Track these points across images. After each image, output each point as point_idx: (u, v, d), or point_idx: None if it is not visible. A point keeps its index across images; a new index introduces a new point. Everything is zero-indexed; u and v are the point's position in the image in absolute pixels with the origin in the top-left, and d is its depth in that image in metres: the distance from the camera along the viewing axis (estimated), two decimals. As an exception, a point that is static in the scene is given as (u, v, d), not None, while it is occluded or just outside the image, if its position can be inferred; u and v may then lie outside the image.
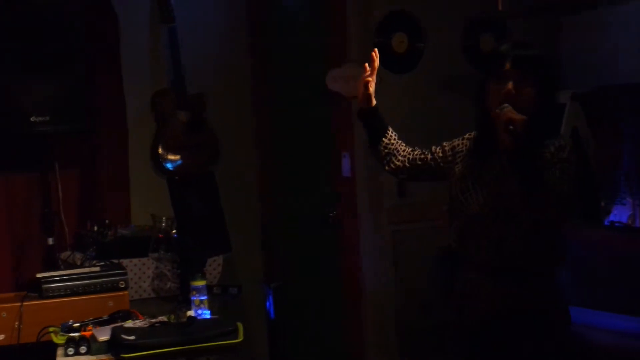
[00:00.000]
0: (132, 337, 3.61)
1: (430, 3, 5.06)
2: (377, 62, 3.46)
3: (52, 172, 4.77)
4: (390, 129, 3.62)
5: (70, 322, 3.90)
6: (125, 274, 4.41)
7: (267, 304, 5.39)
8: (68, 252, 4.74)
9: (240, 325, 3.82)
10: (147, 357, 3.57)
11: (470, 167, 3.28)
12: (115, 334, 3.68)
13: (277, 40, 5.63)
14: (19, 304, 4.21)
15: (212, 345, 3.71)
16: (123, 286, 4.37)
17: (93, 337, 3.72)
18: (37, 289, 4.33)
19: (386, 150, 3.59)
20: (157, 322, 3.90)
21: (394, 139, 3.60)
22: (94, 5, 4.98)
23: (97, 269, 4.44)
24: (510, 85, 3.06)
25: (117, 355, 3.59)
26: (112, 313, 4.04)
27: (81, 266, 4.54)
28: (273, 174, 5.69)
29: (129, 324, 3.89)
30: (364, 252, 4.98)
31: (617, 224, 4.47)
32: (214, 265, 4.89)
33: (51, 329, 3.96)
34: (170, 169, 5.17)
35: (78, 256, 4.66)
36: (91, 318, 3.97)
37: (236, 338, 3.76)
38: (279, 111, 5.67)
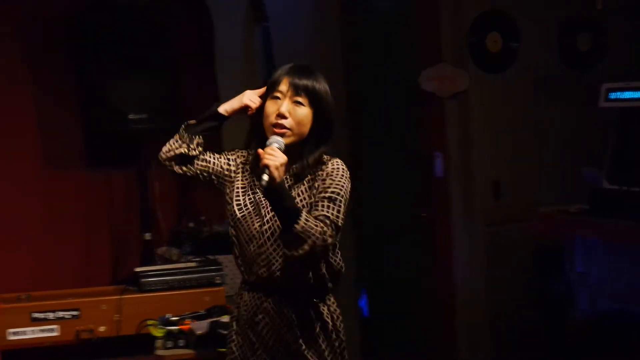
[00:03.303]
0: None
1: (526, 2, 5.03)
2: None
3: (150, 169, 4.84)
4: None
5: (168, 315, 3.96)
6: (221, 269, 4.46)
7: (361, 302, 5.42)
8: (165, 248, 4.80)
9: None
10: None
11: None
12: (212, 328, 3.73)
13: (369, 38, 5.64)
14: (119, 297, 4.30)
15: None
16: (219, 282, 4.42)
17: (191, 331, 3.78)
18: (135, 283, 4.41)
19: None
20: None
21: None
22: (189, 5, 5.05)
23: (194, 264, 4.51)
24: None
25: (214, 349, 3.64)
26: (209, 308, 4.09)
27: (177, 261, 4.61)
28: (363, 174, 5.70)
29: (225, 318, 3.93)
30: (456, 253, 4.96)
31: None
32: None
33: (150, 322, 4.03)
34: (264, 166, 5.21)
35: (174, 252, 4.73)
36: (188, 312, 4.03)
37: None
38: (369, 109, 5.68)
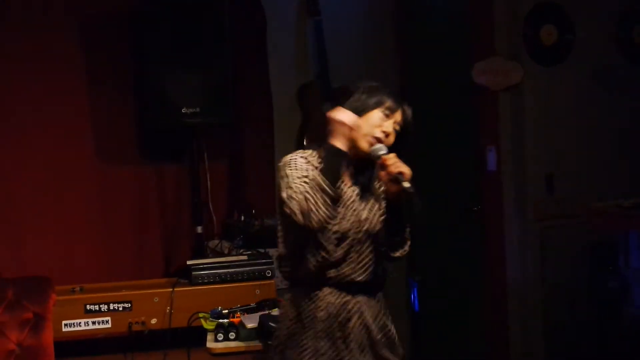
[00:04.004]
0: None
1: (581, -6, 4.95)
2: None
3: (202, 163, 4.87)
4: None
5: (219, 308, 3.98)
6: (272, 263, 4.47)
7: (412, 296, 5.38)
8: (216, 241, 4.83)
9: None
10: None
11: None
12: (263, 321, 3.73)
13: (422, 32, 5.59)
14: (171, 289, 4.33)
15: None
16: (269, 275, 4.43)
17: (242, 323, 3.79)
18: (187, 275, 4.44)
19: None
20: (302, 311, 3.93)
21: None
22: (242, 0, 5.07)
23: (245, 257, 4.53)
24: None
25: (265, 342, 3.64)
26: (259, 301, 4.10)
27: (229, 255, 4.64)
28: (417, 167, 5.65)
29: (275, 312, 3.93)
30: (509, 247, 4.92)
31: None
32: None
33: (201, 315, 4.05)
34: (316, 161, 5.20)
35: (226, 245, 4.76)
36: (239, 305, 4.04)
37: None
38: (422, 103, 5.62)
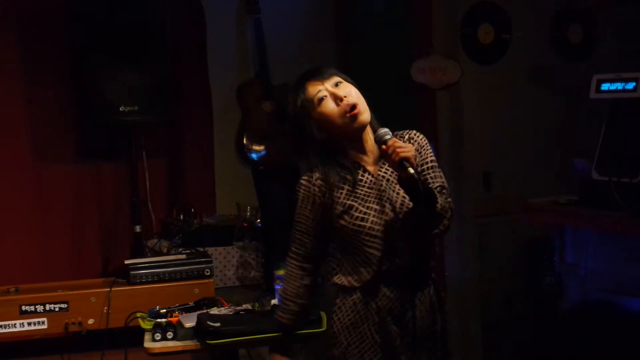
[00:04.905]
0: (218, 324, 3.64)
1: (518, -6, 5.02)
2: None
3: (140, 162, 4.84)
4: None
5: (157, 308, 3.94)
6: (211, 262, 4.45)
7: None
8: (155, 240, 4.81)
9: (323, 315, 3.82)
10: (232, 344, 3.59)
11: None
12: (201, 320, 3.71)
13: (361, 29, 5.62)
14: (108, 289, 4.29)
15: (295, 333, 3.72)
16: (208, 274, 4.42)
17: (179, 323, 3.76)
18: (125, 275, 4.41)
19: None
20: (241, 310, 3.93)
21: None
22: (181, -3, 5.05)
23: (183, 256, 4.50)
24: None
25: (202, 341, 3.62)
26: (198, 300, 4.07)
27: (167, 254, 4.61)
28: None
29: (214, 311, 3.91)
30: (448, 244, 4.96)
31: None
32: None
33: (139, 315, 4.01)
34: (255, 159, 5.21)
35: (164, 244, 4.73)
36: (177, 304, 4.01)
37: (319, 327, 3.75)
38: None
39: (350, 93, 2.88)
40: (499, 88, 5.01)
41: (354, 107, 2.85)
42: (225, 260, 4.73)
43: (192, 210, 4.88)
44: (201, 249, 4.62)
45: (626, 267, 4.06)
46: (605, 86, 4.41)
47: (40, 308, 4.23)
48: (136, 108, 4.61)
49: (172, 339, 3.70)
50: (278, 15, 5.38)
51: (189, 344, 3.66)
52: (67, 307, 4.24)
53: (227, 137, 5.26)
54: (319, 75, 2.92)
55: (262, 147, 5.23)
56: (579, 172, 4.34)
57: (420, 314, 2.89)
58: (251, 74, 5.31)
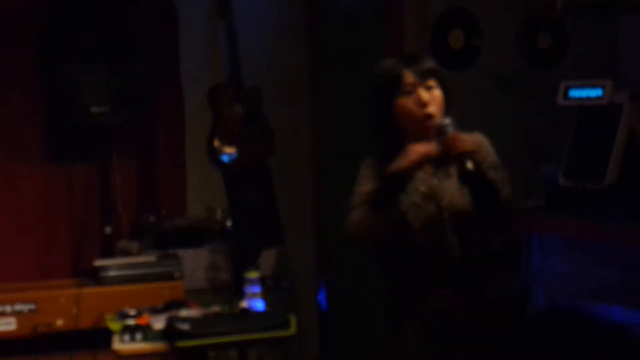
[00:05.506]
0: (187, 326, 3.66)
1: (488, 0, 5.05)
2: None
3: (111, 163, 4.84)
4: None
5: (127, 309, 3.95)
6: (180, 264, 4.47)
7: (319, 296, 5.42)
8: (125, 242, 4.80)
9: (292, 318, 3.85)
10: (201, 346, 3.62)
11: None
12: (170, 322, 3.73)
13: (334, 33, 5.64)
14: (77, 290, 4.29)
15: (264, 336, 3.75)
16: (178, 276, 4.43)
17: (149, 325, 3.78)
18: (94, 276, 4.41)
19: None
20: (211, 312, 3.95)
21: None
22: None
23: (153, 258, 4.51)
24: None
25: (171, 343, 3.64)
26: (167, 302, 4.09)
27: (137, 255, 4.62)
28: (328, 167, 5.70)
29: (183, 313, 3.93)
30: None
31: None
32: (268, 257, 4.93)
33: (108, 316, 4.03)
34: (226, 161, 5.21)
35: (134, 245, 4.73)
36: (147, 306, 4.02)
37: (288, 330, 3.78)
38: (334, 105, 5.68)
39: (434, 99, 2.83)
40: (469, 93, 5.04)
41: (429, 116, 2.80)
42: (196, 263, 4.73)
43: (163, 212, 4.88)
44: (171, 251, 4.63)
45: (591, 273, 4.11)
46: (573, 92, 4.48)
47: (8, 309, 4.22)
48: (107, 109, 4.61)
49: (141, 341, 3.71)
50: (250, 18, 5.38)
51: (158, 345, 3.68)
52: (36, 307, 4.24)
53: (198, 140, 5.25)
54: (419, 70, 2.84)
55: (233, 150, 5.23)
56: (546, 178, 4.39)
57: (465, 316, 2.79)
58: (223, 76, 5.31)
